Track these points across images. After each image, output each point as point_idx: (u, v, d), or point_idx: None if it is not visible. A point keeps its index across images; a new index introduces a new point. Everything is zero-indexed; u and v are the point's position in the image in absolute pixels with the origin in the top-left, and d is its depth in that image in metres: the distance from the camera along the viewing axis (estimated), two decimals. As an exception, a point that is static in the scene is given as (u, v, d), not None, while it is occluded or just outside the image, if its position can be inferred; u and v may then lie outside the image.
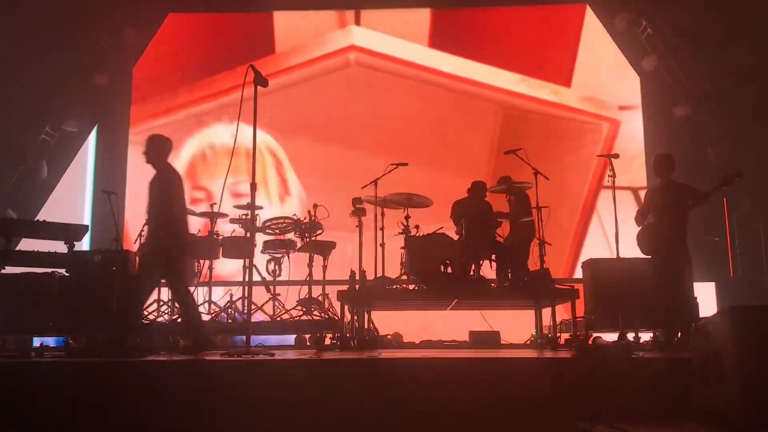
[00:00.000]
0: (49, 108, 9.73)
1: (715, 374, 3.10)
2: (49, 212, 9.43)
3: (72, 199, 10.00)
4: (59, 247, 5.75)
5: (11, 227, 5.98)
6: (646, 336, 6.52)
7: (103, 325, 5.64)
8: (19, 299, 6.14)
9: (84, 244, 8.76)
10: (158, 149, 5.53)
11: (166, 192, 5.39)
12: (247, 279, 6.03)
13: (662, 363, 3.31)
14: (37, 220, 7.08)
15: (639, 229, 6.24)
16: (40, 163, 9.78)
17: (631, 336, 6.29)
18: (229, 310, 6.80)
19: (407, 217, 6.99)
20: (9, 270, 6.01)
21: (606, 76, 10.14)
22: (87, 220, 9.74)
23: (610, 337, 6.26)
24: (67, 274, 6.12)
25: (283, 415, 3.51)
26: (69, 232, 5.80)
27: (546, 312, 6.86)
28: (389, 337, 7.36)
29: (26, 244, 6.15)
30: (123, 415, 3.53)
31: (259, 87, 4.78)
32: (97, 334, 5.72)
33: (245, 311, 6.62)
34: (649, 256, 6.11)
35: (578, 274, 7.28)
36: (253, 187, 4.80)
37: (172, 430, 3.50)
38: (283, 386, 3.64)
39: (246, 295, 6.73)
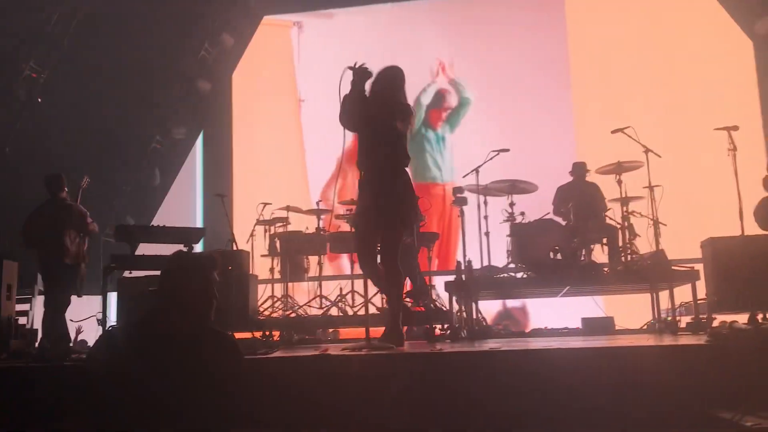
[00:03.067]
0: (158, 116, 10.21)
1: None
2: (163, 217, 9.86)
3: (183, 203, 10.45)
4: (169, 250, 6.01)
5: (135, 233, 6.35)
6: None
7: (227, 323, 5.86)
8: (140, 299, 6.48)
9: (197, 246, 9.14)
10: None
11: None
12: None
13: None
14: (156, 225, 7.43)
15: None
16: (153, 170, 10.31)
17: (760, 317, 5.92)
18: (339, 303, 6.92)
19: (512, 204, 6.88)
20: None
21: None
22: (199, 222, 10.14)
23: (737, 319, 5.90)
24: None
25: (398, 408, 3.48)
26: (188, 235, 6.10)
27: (663, 295, 6.57)
28: (499, 327, 7.27)
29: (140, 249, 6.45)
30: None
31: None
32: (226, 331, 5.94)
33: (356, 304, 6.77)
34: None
35: (696, 254, 6.86)
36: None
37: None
38: (400, 379, 3.63)
39: (353, 289, 6.88)
